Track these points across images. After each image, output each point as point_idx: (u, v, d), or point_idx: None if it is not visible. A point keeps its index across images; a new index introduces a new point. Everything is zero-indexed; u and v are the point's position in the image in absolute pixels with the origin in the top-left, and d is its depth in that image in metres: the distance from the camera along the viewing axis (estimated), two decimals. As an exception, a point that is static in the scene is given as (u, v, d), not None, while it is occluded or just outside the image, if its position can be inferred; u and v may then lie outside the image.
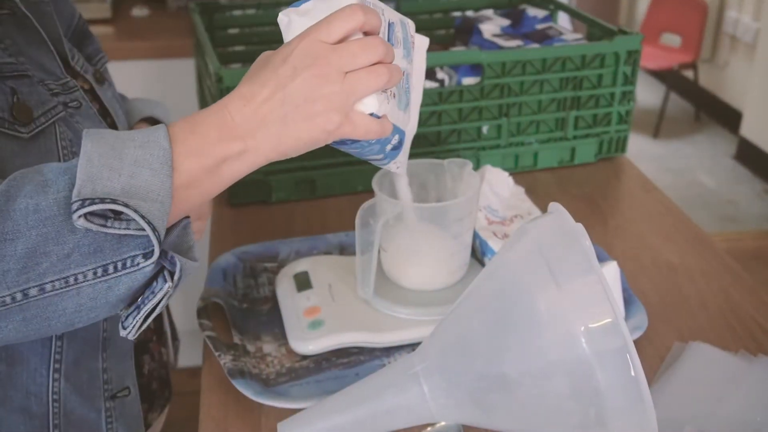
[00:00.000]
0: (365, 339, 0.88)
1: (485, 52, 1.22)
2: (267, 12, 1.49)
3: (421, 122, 1.23)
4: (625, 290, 0.95)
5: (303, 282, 0.96)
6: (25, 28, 0.78)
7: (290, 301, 0.93)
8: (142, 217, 0.57)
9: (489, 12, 1.54)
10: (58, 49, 0.82)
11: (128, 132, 0.62)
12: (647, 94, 4.51)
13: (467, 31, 1.45)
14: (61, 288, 0.59)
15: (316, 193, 1.23)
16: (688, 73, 4.19)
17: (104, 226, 0.58)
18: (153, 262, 0.60)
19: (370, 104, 0.66)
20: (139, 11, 2.22)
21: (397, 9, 1.55)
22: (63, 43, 0.85)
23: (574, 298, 0.69)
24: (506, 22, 1.46)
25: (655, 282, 1.02)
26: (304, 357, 0.88)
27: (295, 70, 0.63)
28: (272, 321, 0.94)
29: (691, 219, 1.17)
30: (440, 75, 1.26)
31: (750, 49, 3.81)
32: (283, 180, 1.21)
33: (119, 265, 0.60)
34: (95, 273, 0.59)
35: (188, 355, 1.30)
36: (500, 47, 1.34)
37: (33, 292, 0.59)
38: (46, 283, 0.59)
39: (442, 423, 0.77)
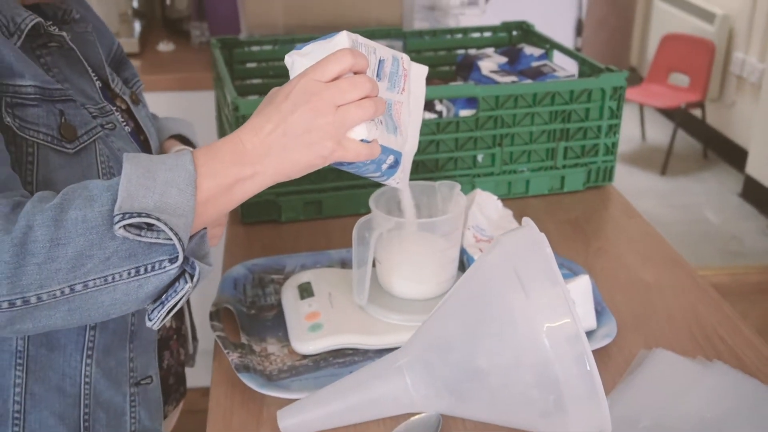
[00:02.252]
0: (359, 341, 0.98)
1: (480, 86, 1.33)
2: (283, 47, 1.60)
3: (420, 150, 1.33)
4: (598, 303, 1.04)
5: (306, 290, 1.05)
6: (70, 58, 0.91)
7: (293, 307, 1.03)
8: (171, 229, 0.70)
9: (489, 50, 1.64)
10: (99, 74, 0.95)
11: (160, 156, 0.75)
12: (656, 131, 4.59)
13: (467, 68, 1.55)
14: (101, 285, 0.71)
15: (322, 213, 1.33)
16: (696, 112, 4.27)
17: (139, 235, 0.70)
18: (177, 266, 0.72)
19: (359, 132, 0.79)
20: (164, 46, 2.35)
21: (404, 46, 1.66)
22: (105, 68, 0.98)
23: (538, 300, 0.78)
24: (504, 59, 1.56)
25: (628, 297, 1.11)
26: (305, 356, 0.97)
27: (295, 106, 0.76)
28: (277, 326, 1.04)
29: (669, 243, 1.26)
30: (439, 107, 1.36)
31: (756, 89, 3.89)
32: (292, 201, 1.31)
33: (149, 267, 0.72)
34: (129, 273, 0.71)
35: (202, 376, 1.38)
36: (496, 82, 1.45)
37: (78, 287, 0.71)
38: (89, 280, 0.71)
39: (424, 413, 0.85)
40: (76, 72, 0.91)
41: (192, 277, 0.73)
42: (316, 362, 0.97)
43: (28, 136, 0.81)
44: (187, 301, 1.16)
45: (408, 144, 0.90)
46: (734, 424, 0.85)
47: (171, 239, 0.70)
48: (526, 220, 0.85)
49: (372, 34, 1.64)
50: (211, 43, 1.55)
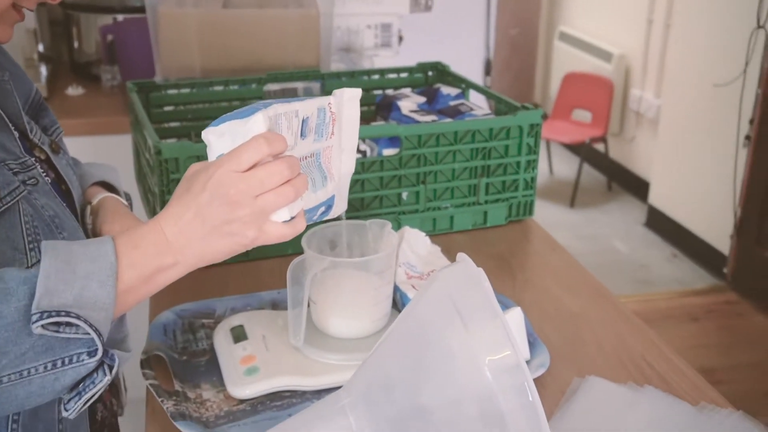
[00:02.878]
0: (297, 383, 0.97)
1: (403, 125, 1.35)
2: (200, 91, 1.60)
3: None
4: (530, 334, 1.06)
5: (239, 334, 1.04)
6: None
7: (227, 352, 1.01)
8: (91, 326, 0.69)
9: (407, 90, 1.67)
10: (17, 124, 0.91)
11: (80, 243, 0.74)
12: (562, 166, 4.74)
13: (387, 108, 1.57)
14: (16, 380, 0.70)
15: (249, 255, 1.31)
16: (599, 147, 4.44)
17: (57, 331, 0.69)
18: (96, 360, 0.71)
19: (281, 215, 0.78)
20: (73, 90, 2.30)
21: (322, 87, 1.68)
22: (22, 118, 0.94)
23: (478, 335, 0.79)
24: (422, 99, 1.59)
25: (558, 327, 1.13)
26: (241, 401, 0.96)
27: (212, 197, 0.75)
28: (210, 371, 1.01)
29: (591, 273, 1.30)
30: (363, 147, 1.38)
31: (654, 124, 4.07)
32: (218, 244, 1.29)
33: (66, 360, 0.71)
34: (45, 367, 0.70)
35: (133, 425, 1.33)
36: (417, 121, 1.47)
37: None
38: (3, 376, 0.69)
39: (368, 453, 0.85)
40: None
41: (111, 368, 0.73)
42: (254, 406, 0.95)
43: None
44: None
45: (343, 172, 0.90)
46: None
47: (89, 333, 0.70)
48: (461, 255, 0.86)
49: (290, 77, 1.65)
50: (128, 86, 1.53)
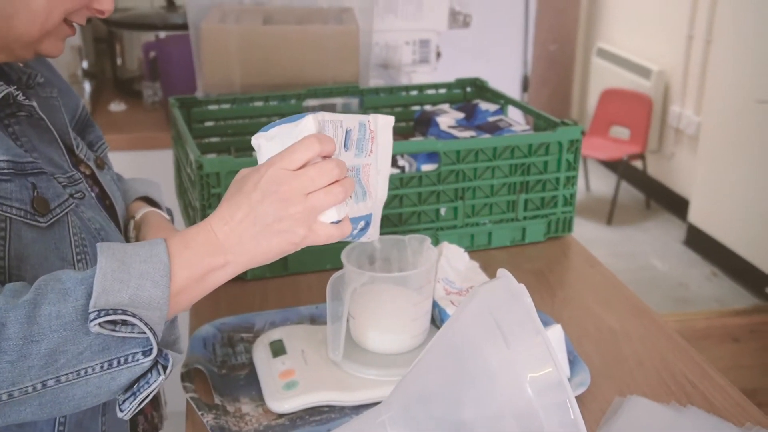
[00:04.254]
0: (336, 398, 0.97)
1: (442, 141, 1.35)
2: (241, 106, 1.61)
3: (385, 205, 1.33)
4: (569, 352, 1.05)
5: (278, 348, 1.04)
6: (39, 127, 0.89)
7: (266, 366, 1.01)
8: (146, 324, 0.70)
9: (445, 106, 1.67)
10: (64, 140, 0.93)
11: (134, 246, 0.75)
12: (600, 183, 4.70)
13: (425, 123, 1.58)
14: (73, 379, 0.71)
15: (288, 270, 1.32)
16: (638, 164, 4.39)
17: (114, 330, 0.70)
18: (151, 359, 0.72)
19: (330, 215, 0.79)
20: (116, 106, 2.34)
21: (361, 103, 1.68)
22: (69, 134, 0.96)
23: (519, 351, 0.78)
24: (461, 115, 1.59)
25: (597, 345, 1.12)
26: (280, 415, 0.96)
27: (264, 195, 0.75)
28: (249, 384, 1.02)
29: (631, 290, 1.28)
30: (401, 162, 1.38)
31: (694, 141, 4.02)
32: (257, 258, 1.30)
33: (122, 360, 0.71)
34: (102, 366, 0.71)
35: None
36: (455, 137, 1.47)
37: (50, 383, 0.70)
38: (62, 375, 0.70)
39: (407, 469, 0.84)
40: (45, 141, 0.89)
41: (165, 368, 0.73)
42: (293, 421, 0.95)
43: (1, 211, 0.79)
44: None
45: (378, 196, 0.91)
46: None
47: (144, 332, 0.70)
48: (501, 271, 0.86)
49: (329, 92, 1.66)
50: (170, 102, 1.55)
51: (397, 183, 1.33)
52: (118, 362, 0.71)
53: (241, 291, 1.28)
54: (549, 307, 1.22)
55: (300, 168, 0.76)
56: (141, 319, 0.70)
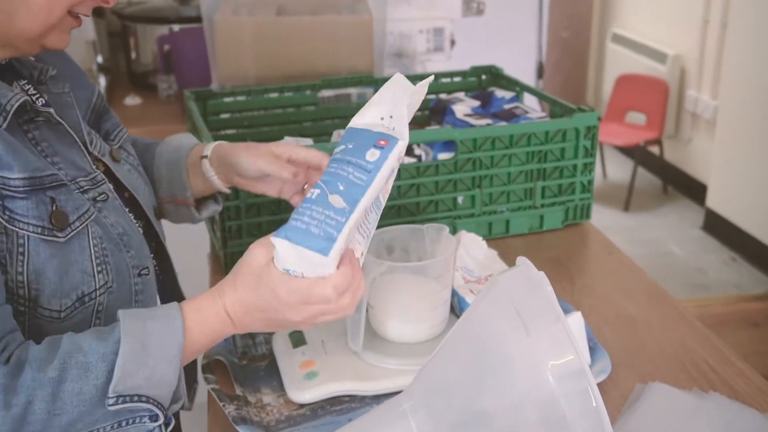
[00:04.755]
0: (356, 387, 0.97)
1: (458, 129, 1.34)
2: (256, 98, 1.61)
3: (402, 194, 1.34)
4: (590, 339, 1.04)
5: (298, 339, 1.04)
6: (58, 130, 0.89)
7: (287, 356, 1.02)
8: (158, 405, 0.77)
9: (461, 94, 1.67)
10: (78, 137, 0.91)
11: (153, 323, 0.79)
12: (616, 169, 4.67)
13: (441, 112, 1.57)
14: None
15: (306, 261, 1.32)
16: (654, 149, 4.36)
17: (130, 408, 0.76)
18: (158, 425, 0.79)
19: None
20: (131, 100, 2.35)
21: (375, 92, 1.68)
22: (83, 131, 0.94)
23: (540, 339, 0.78)
24: (476, 103, 1.59)
25: (617, 332, 1.11)
26: (301, 405, 0.96)
27: (277, 313, 0.81)
28: (270, 375, 1.02)
29: (650, 276, 1.28)
30: (417, 151, 1.37)
31: (711, 125, 3.99)
32: (275, 250, 1.30)
33: (131, 421, 0.78)
34: (112, 426, 0.77)
35: (196, 429, 1.35)
36: (471, 125, 1.46)
37: None
38: None
39: (428, 458, 0.84)
40: (65, 144, 0.89)
41: (167, 425, 0.80)
42: (314, 411, 0.95)
43: (18, 228, 0.79)
44: None
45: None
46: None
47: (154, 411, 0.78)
48: (521, 259, 0.86)
49: (344, 83, 1.66)
50: (186, 95, 1.55)
51: (413, 172, 1.33)
52: (127, 422, 0.77)
53: (259, 282, 1.28)
54: (568, 294, 1.22)
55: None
56: (154, 402, 0.77)
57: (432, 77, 0.90)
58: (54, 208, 0.82)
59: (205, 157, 1.09)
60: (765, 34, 3.43)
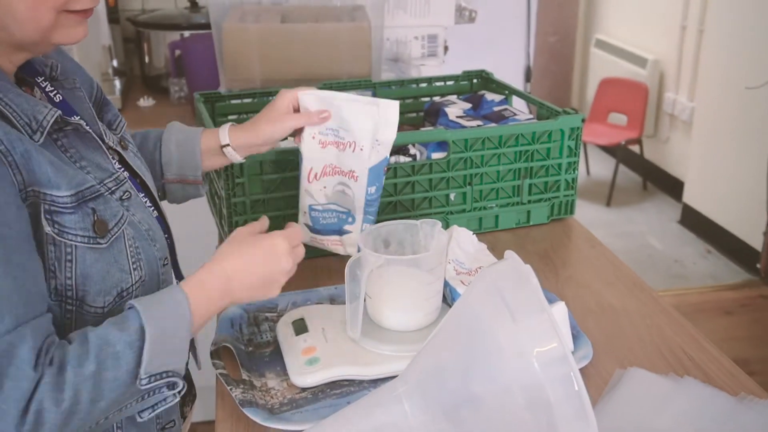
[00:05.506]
0: (355, 372, 0.97)
1: (450, 130, 1.34)
2: (261, 100, 1.61)
3: (397, 191, 1.34)
4: (573, 327, 1.05)
5: (300, 327, 1.05)
6: (84, 137, 0.90)
7: (289, 343, 1.02)
8: (177, 375, 0.82)
9: (453, 97, 1.66)
10: (93, 130, 0.92)
11: (165, 307, 0.83)
12: (599, 167, 4.67)
13: (435, 114, 1.57)
14: (116, 412, 0.81)
15: (309, 254, 1.32)
16: (635, 148, 4.36)
17: (157, 383, 0.81)
18: (174, 393, 0.84)
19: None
20: (145, 102, 2.34)
21: (373, 95, 1.68)
22: (97, 124, 0.95)
23: (526, 328, 0.78)
24: (468, 105, 1.59)
25: (599, 321, 1.12)
26: (303, 389, 0.96)
27: (272, 271, 0.92)
28: (274, 361, 1.02)
29: (630, 268, 1.28)
30: (413, 151, 1.37)
31: (687, 126, 3.99)
32: (279, 243, 1.31)
33: (152, 392, 0.82)
34: (137, 400, 0.82)
35: (204, 411, 1.35)
36: (463, 127, 1.46)
37: (101, 421, 0.80)
38: (110, 414, 0.81)
39: (422, 438, 0.85)
40: (91, 148, 0.90)
41: (180, 392, 0.84)
42: (315, 394, 0.96)
43: (66, 240, 0.81)
44: None
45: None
46: (709, 434, 0.86)
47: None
48: (508, 253, 0.86)
49: (344, 86, 1.66)
50: (195, 97, 1.55)
51: (408, 171, 1.33)
52: (149, 395, 0.82)
53: (264, 273, 1.28)
54: (553, 285, 1.22)
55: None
56: (175, 373, 0.82)
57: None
58: (95, 218, 0.84)
59: (227, 145, 1.13)
60: (739, 39, 3.43)
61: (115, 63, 2.49)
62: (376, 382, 0.97)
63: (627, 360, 1.02)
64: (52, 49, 0.88)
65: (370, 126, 1.09)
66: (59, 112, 0.84)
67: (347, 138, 1.10)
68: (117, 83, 2.38)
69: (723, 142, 3.59)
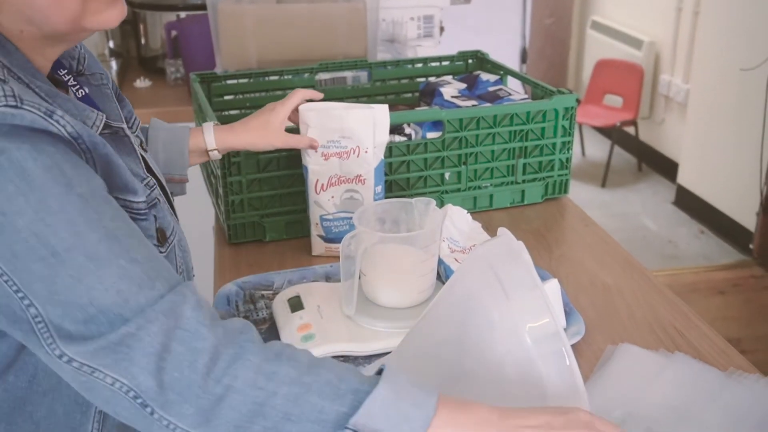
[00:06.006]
0: (350, 348, 0.98)
1: (445, 110, 1.34)
2: (257, 80, 1.60)
3: (392, 170, 1.34)
4: (566, 304, 1.05)
5: (296, 304, 1.05)
6: (121, 141, 0.84)
7: (286, 320, 1.02)
8: None
9: (448, 77, 1.66)
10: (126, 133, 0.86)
11: (413, 386, 0.70)
12: (594, 148, 4.67)
13: (430, 94, 1.57)
14: None
15: (304, 232, 1.32)
16: (630, 130, 4.36)
17: None
18: None
19: None
20: (141, 83, 2.34)
21: (369, 77, 1.67)
22: (124, 124, 0.87)
23: (518, 303, 0.79)
24: (463, 85, 1.58)
25: (592, 298, 1.12)
26: (299, 365, 0.97)
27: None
28: (270, 337, 1.03)
29: (622, 247, 1.29)
30: (408, 130, 1.37)
31: (682, 107, 3.99)
32: (275, 222, 1.31)
33: None
34: None
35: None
36: (458, 106, 1.46)
37: None
38: None
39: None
40: (126, 152, 0.84)
41: None
42: (310, 370, 0.96)
43: None
44: None
45: None
46: (699, 410, 0.86)
47: None
48: (501, 230, 0.86)
49: (340, 66, 1.66)
50: (191, 78, 1.54)
51: (404, 150, 1.33)
52: None
53: (260, 252, 1.29)
54: (546, 263, 1.22)
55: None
56: None
57: None
58: (157, 225, 0.82)
59: (214, 150, 1.13)
60: (734, 21, 3.42)
61: (111, 44, 2.48)
62: (370, 358, 0.97)
63: (619, 336, 1.02)
64: (88, 35, 0.80)
65: (370, 130, 1.15)
66: (104, 116, 0.79)
67: (350, 145, 1.16)
68: (113, 64, 2.37)
69: (717, 123, 3.59)
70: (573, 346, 0.98)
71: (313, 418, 0.66)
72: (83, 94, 0.86)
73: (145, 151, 0.94)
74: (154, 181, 0.87)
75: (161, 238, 0.81)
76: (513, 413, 0.71)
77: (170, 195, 0.99)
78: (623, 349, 0.97)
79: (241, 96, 1.61)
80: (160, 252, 0.81)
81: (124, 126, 0.85)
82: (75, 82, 0.86)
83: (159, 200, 0.86)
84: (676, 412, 0.86)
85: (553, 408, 0.73)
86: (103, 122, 0.78)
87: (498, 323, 0.79)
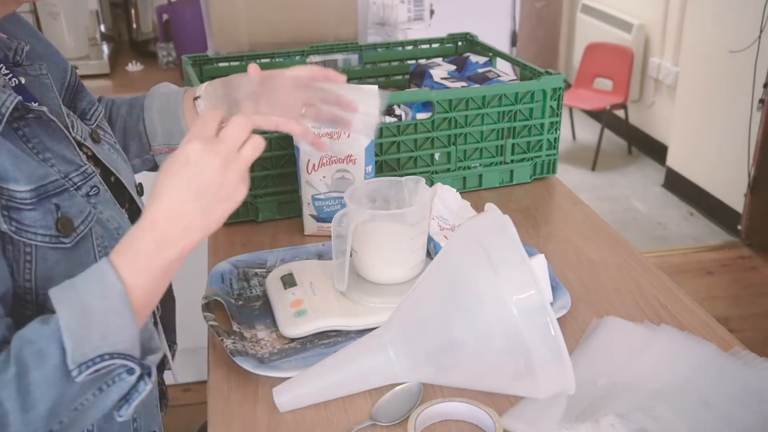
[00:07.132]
0: (341, 323, 1.00)
1: (435, 91, 1.36)
2: (249, 62, 1.61)
3: (383, 151, 1.35)
4: (552, 279, 1.07)
5: (289, 281, 1.07)
6: (48, 126, 0.82)
7: (279, 296, 1.04)
8: (123, 356, 0.69)
9: (438, 60, 1.67)
10: (60, 122, 0.84)
11: (87, 282, 0.70)
12: (585, 131, 4.70)
13: (420, 75, 1.58)
14: (73, 415, 0.71)
15: (296, 212, 1.34)
16: (620, 113, 4.38)
17: (96, 371, 0.69)
18: (135, 377, 0.71)
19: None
20: (133, 66, 2.34)
21: (360, 59, 1.68)
22: (63, 115, 0.87)
23: (506, 276, 0.81)
24: (452, 67, 1.60)
25: (578, 274, 1.15)
26: (292, 340, 0.99)
27: (200, 167, 0.72)
28: (264, 314, 1.05)
29: (609, 225, 1.31)
30: (398, 111, 1.39)
31: (672, 90, 4.01)
32: (268, 202, 1.33)
33: (110, 382, 0.71)
34: (94, 395, 0.71)
35: (182, 374, 1.37)
36: (448, 88, 1.48)
37: (56, 427, 0.70)
38: (63, 418, 0.70)
39: (406, 383, 0.88)
40: (56, 139, 0.82)
41: (149, 375, 0.72)
42: (303, 344, 0.98)
43: (25, 239, 0.75)
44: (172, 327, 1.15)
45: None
46: (683, 378, 0.88)
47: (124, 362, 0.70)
48: (489, 205, 0.88)
49: (331, 49, 1.67)
50: (184, 60, 1.55)
51: (394, 131, 1.35)
52: (107, 385, 0.71)
53: (253, 231, 1.30)
54: (534, 240, 1.25)
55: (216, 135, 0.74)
56: (119, 355, 0.68)
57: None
58: (59, 215, 0.78)
59: (198, 97, 1.08)
60: (722, 4, 3.44)
61: (102, 28, 2.48)
62: (362, 333, 0.99)
63: (604, 310, 1.05)
64: (17, 6, 0.80)
65: (361, 109, 1.11)
66: (19, 98, 0.77)
67: None
68: (105, 48, 2.38)
69: (706, 106, 3.61)
70: (559, 320, 1.01)
71: (45, 389, 0.67)
72: (16, 83, 0.85)
73: (96, 141, 0.93)
74: (94, 169, 0.86)
75: (64, 228, 0.78)
76: (156, 213, 0.71)
77: (131, 187, 0.96)
78: (608, 321, 1.00)
79: (233, 78, 1.62)
80: (63, 243, 0.77)
81: (44, 109, 0.81)
82: (8, 71, 0.85)
83: (99, 189, 0.85)
84: (659, 380, 0.88)
85: (176, 167, 0.72)
86: (14, 103, 0.76)
87: (485, 295, 0.81)
